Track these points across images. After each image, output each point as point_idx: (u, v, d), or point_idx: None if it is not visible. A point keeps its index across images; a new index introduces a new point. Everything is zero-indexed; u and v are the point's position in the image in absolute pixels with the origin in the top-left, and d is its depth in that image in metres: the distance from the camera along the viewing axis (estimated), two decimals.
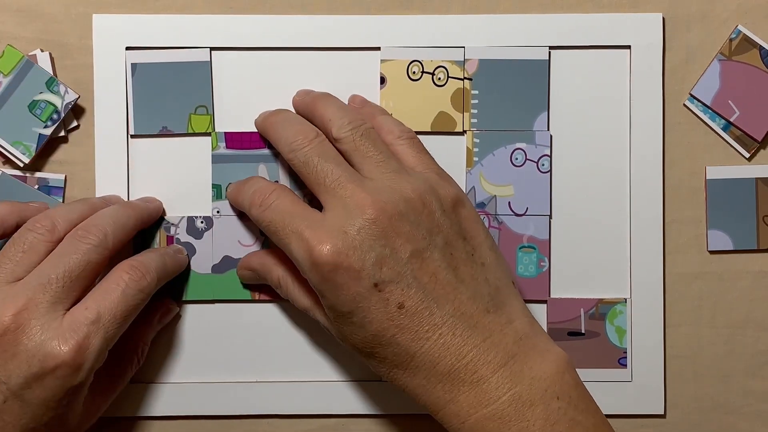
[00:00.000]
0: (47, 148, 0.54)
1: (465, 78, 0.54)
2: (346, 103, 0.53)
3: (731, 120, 0.54)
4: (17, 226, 0.49)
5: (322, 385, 0.54)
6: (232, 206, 0.53)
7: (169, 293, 0.53)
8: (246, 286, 0.54)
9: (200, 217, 0.54)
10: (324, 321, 0.49)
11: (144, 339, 0.52)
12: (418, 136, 0.53)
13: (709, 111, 0.54)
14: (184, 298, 0.54)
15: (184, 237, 0.54)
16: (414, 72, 0.54)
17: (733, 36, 0.54)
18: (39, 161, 0.54)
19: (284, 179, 0.54)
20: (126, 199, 0.53)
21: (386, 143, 0.50)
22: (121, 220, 0.49)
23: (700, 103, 0.54)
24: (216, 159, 0.54)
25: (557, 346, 0.46)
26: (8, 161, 0.53)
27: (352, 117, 0.49)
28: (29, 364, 0.44)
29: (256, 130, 0.53)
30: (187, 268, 0.53)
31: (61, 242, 0.47)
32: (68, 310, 0.46)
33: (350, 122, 0.49)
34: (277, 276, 0.51)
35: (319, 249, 0.44)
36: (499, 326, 0.45)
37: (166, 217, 0.54)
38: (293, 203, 0.47)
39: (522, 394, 0.44)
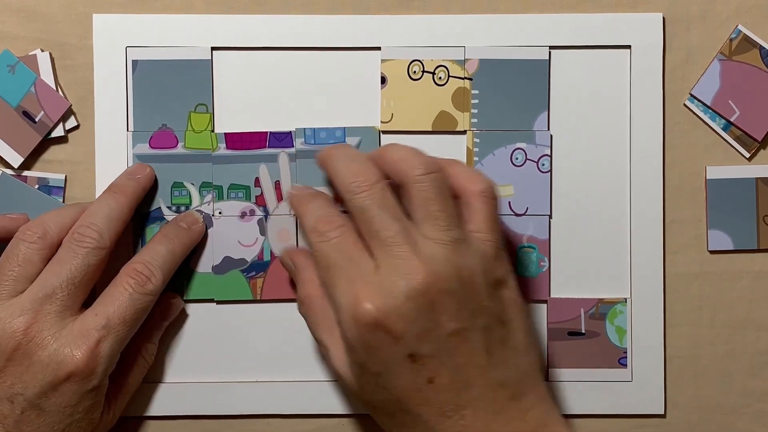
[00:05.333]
0: (47, 147, 0.54)
1: (465, 78, 0.54)
2: None
3: (731, 120, 0.54)
4: (8, 238, 0.50)
5: (322, 385, 0.54)
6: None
7: (171, 287, 0.53)
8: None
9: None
10: (337, 362, 0.48)
11: (149, 339, 0.52)
12: (420, 136, 0.53)
13: (710, 111, 0.54)
14: (185, 298, 0.54)
15: None
16: (415, 71, 0.54)
17: (733, 36, 0.54)
18: (38, 161, 0.54)
19: (285, 180, 0.54)
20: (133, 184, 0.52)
21: (462, 193, 0.48)
22: (114, 214, 0.49)
23: (700, 103, 0.54)
24: (216, 159, 0.54)
25: (570, 429, 0.46)
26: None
27: (425, 159, 0.47)
28: (44, 373, 0.45)
29: (257, 130, 0.53)
30: (188, 267, 0.53)
31: (60, 248, 0.48)
32: (76, 315, 0.47)
33: (423, 164, 0.46)
34: (307, 293, 0.50)
35: (365, 306, 0.43)
36: (520, 413, 0.45)
37: (166, 216, 0.54)
38: (354, 246, 0.46)
39: None
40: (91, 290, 0.49)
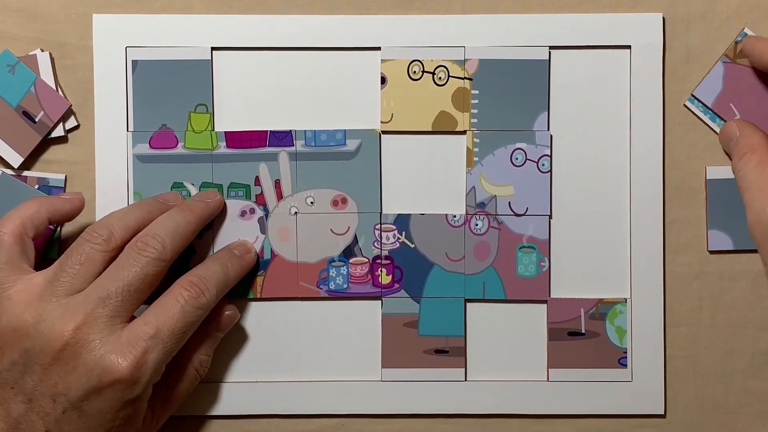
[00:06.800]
0: (47, 147, 0.54)
1: (465, 78, 0.54)
2: None
3: None
4: (50, 222, 0.50)
5: (322, 385, 0.54)
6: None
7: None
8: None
9: None
10: None
11: (202, 350, 0.52)
12: (420, 137, 0.53)
13: (709, 111, 0.54)
14: None
15: None
16: (414, 71, 0.54)
17: (739, 39, 0.54)
18: (38, 161, 0.54)
19: (285, 179, 0.54)
20: (182, 199, 0.53)
21: None
22: (180, 229, 0.49)
23: (700, 104, 0.54)
24: (216, 158, 0.54)
25: None
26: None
27: None
28: (88, 377, 0.45)
29: (261, 129, 0.53)
30: (187, 267, 0.53)
31: (120, 254, 0.48)
32: (126, 322, 0.47)
33: None
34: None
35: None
36: None
37: None
38: None
39: None
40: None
